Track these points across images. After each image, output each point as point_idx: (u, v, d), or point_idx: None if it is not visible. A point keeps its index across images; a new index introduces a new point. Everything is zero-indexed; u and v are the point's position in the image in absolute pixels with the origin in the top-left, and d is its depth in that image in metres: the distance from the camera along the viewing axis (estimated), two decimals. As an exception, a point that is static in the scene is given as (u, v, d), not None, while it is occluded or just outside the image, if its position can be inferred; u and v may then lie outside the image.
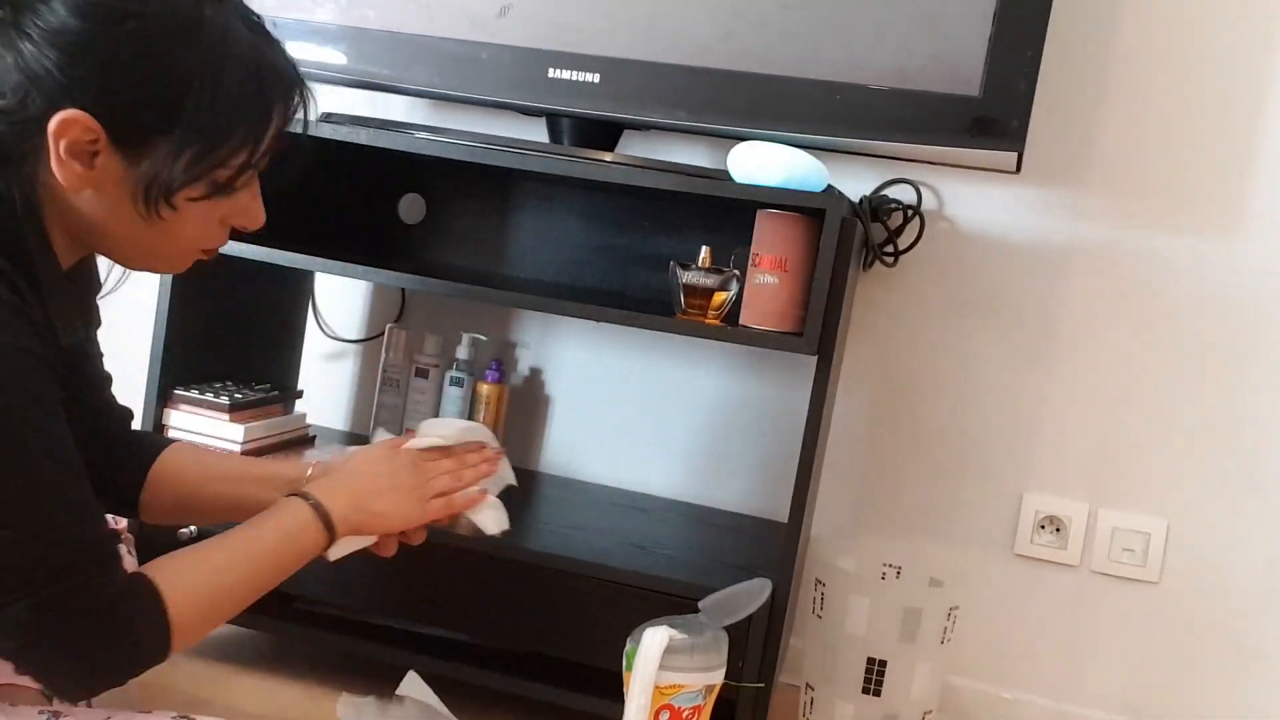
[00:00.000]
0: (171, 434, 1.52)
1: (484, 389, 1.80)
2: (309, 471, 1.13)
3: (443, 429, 1.20)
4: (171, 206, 0.88)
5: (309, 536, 1.00)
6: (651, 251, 1.76)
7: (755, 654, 1.35)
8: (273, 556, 0.97)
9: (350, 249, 1.74)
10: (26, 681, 1.06)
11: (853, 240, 1.35)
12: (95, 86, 0.81)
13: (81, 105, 0.81)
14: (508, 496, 1.22)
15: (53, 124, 0.81)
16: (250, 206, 0.95)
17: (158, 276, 1.49)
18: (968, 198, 1.68)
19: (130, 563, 1.22)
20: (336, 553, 1.04)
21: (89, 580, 0.83)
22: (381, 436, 1.19)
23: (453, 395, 1.81)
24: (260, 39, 0.89)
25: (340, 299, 1.94)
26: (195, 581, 0.91)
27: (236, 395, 1.53)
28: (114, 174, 0.85)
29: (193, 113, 0.84)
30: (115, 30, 0.81)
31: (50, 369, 0.84)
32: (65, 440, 0.84)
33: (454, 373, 1.81)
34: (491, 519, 1.17)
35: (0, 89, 0.81)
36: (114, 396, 1.13)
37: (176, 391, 1.52)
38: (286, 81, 0.91)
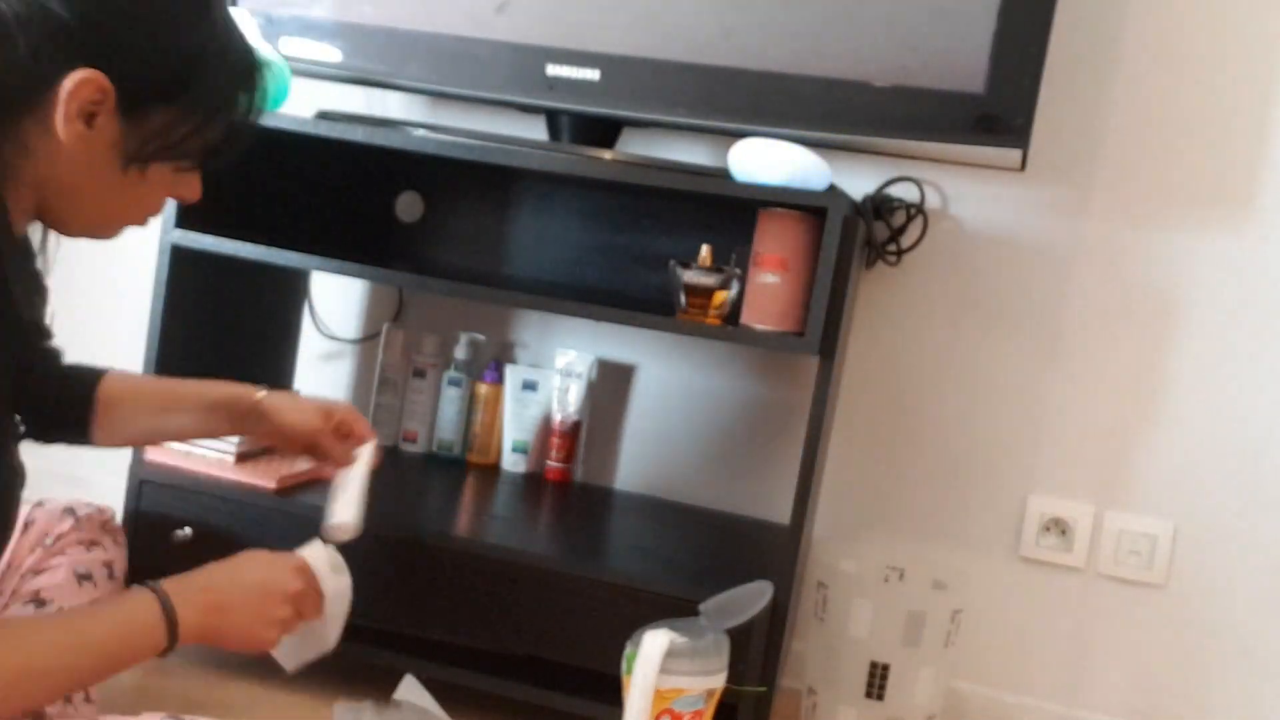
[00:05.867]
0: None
1: (482, 389, 1.79)
2: (258, 395, 1.19)
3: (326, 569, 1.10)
4: (147, 172, 0.90)
5: (149, 639, 0.90)
6: (651, 250, 1.75)
7: (757, 657, 1.33)
8: (104, 653, 0.88)
9: (347, 248, 1.72)
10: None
11: (855, 239, 1.33)
12: (111, 50, 0.83)
13: (96, 66, 0.82)
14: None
15: (69, 82, 0.82)
16: (194, 180, 0.97)
17: (151, 275, 1.48)
18: (972, 196, 1.67)
19: (117, 555, 1.21)
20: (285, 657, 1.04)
21: None
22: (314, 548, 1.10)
23: (450, 396, 1.79)
24: (238, 23, 0.93)
25: (337, 298, 1.92)
26: (9, 655, 0.82)
27: (232, 396, 1.52)
28: (107, 136, 0.86)
29: (199, 87, 0.88)
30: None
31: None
32: None
33: (452, 373, 1.80)
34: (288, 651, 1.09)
35: (13, 40, 0.80)
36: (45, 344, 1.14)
37: (171, 392, 1.50)
38: (261, 67, 0.95)
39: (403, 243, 1.85)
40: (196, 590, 0.93)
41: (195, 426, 1.21)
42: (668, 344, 1.79)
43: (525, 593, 1.38)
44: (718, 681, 1.19)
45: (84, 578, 1.16)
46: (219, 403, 1.19)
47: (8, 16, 0.80)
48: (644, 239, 1.75)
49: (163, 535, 1.45)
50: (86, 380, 1.16)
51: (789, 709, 1.60)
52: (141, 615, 0.89)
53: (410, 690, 1.28)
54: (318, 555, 1.07)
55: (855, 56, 1.41)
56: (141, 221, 0.96)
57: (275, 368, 1.80)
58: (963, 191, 1.67)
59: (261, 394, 1.20)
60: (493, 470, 1.79)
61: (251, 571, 0.99)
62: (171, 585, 0.92)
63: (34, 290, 0.91)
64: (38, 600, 1.11)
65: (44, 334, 1.10)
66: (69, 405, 1.14)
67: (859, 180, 1.68)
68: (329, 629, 1.10)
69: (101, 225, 0.94)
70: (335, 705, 1.38)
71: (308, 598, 1.04)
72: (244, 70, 0.92)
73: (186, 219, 1.46)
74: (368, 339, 1.92)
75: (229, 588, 0.96)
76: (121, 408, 1.16)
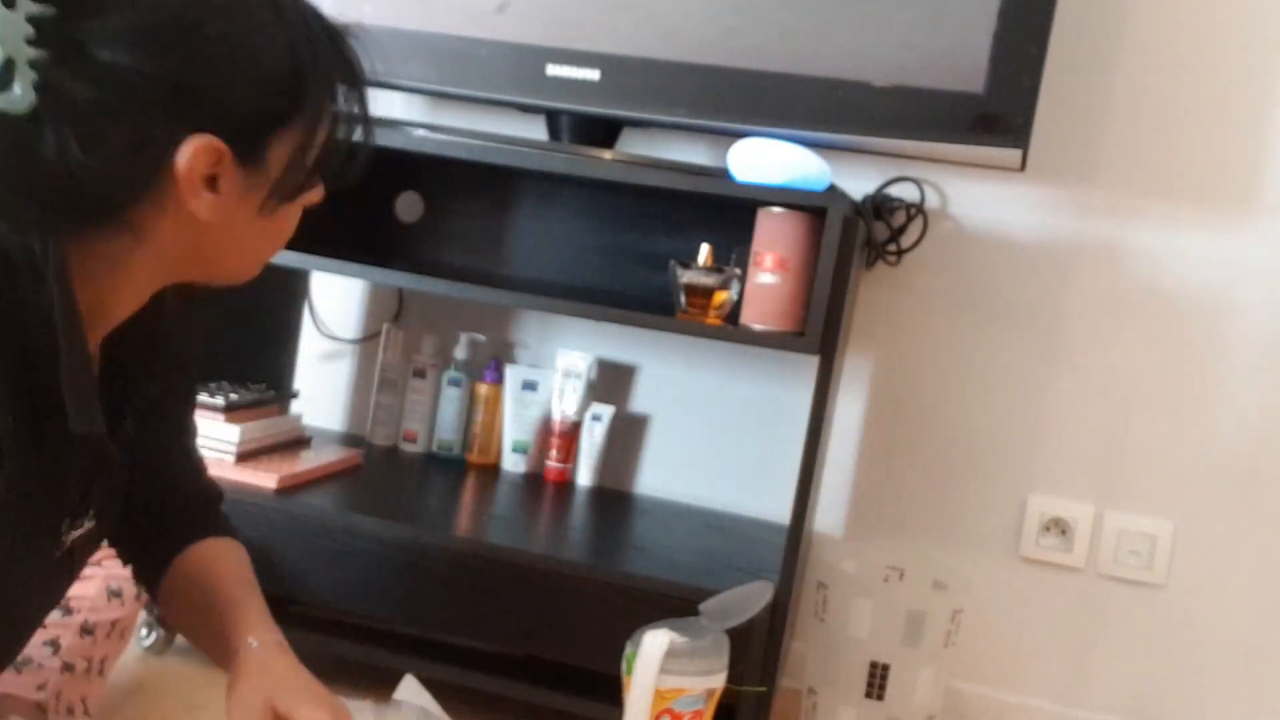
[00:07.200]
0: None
1: (482, 389, 1.79)
2: (248, 642, 0.99)
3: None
4: (287, 209, 0.82)
5: None
6: (651, 250, 1.75)
7: (757, 657, 1.33)
8: None
9: (347, 248, 1.72)
10: (21, 692, 1.05)
11: (855, 239, 1.33)
12: (209, 105, 0.73)
13: (202, 128, 0.72)
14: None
15: (183, 158, 0.72)
16: (319, 184, 0.86)
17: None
18: (972, 196, 1.67)
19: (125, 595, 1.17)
20: None
21: None
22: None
23: (450, 395, 1.79)
24: (311, 10, 0.81)
25: (337, 298, 1.92)
26: None
27: (232, 396, 1.52)
28: (234, 191, 0.76)
29: (304, 101, 0.77)
30: (204, 38, 0.72)
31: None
32: None
33: (452, 373, 1.80)
34: None
35: (103, 134, 0.69)
36: (186, 453, 1.03)
37: (171, 392, 1.50)
38: (353, 54, 0.83)
39: (403, 243, 1.85)
40: None
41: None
42: (668, 344, 1.79)
43: (525, 592, 1.38)
44: (718, 681, 1.19)
45: (114, 594, 1.16)
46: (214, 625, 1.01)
47: (85, 110, 0.69)
48: (644, 239, 1.75)
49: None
50: (181, 536, 1.02)
51: (789, 709, 1.60)
52: None
53: (410, 690, 1.27)
54: None
55: (855, 56, 1.41)
56: (277, 252, 0.88)
57: (275, 368, 1.80)
58: (962, 191, 1.67)
59: (252, 642, 0.99)
60: (492, 470, 1.79)
61: None
62: None
63: (91, 400, 0.77)
64: (65, 608, 1.12)
65: (160, 417, 0.98)
66: (151, 555, 1.02)
67: (859, 180, 1.68)
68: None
69: (245, 271, 0.87)
70: (335, 705, 1.37)
71: None
72: (333, 54, 0.80)
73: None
74: (368, 339, 1.93)
75: None
76: (179, 598, 1.00)
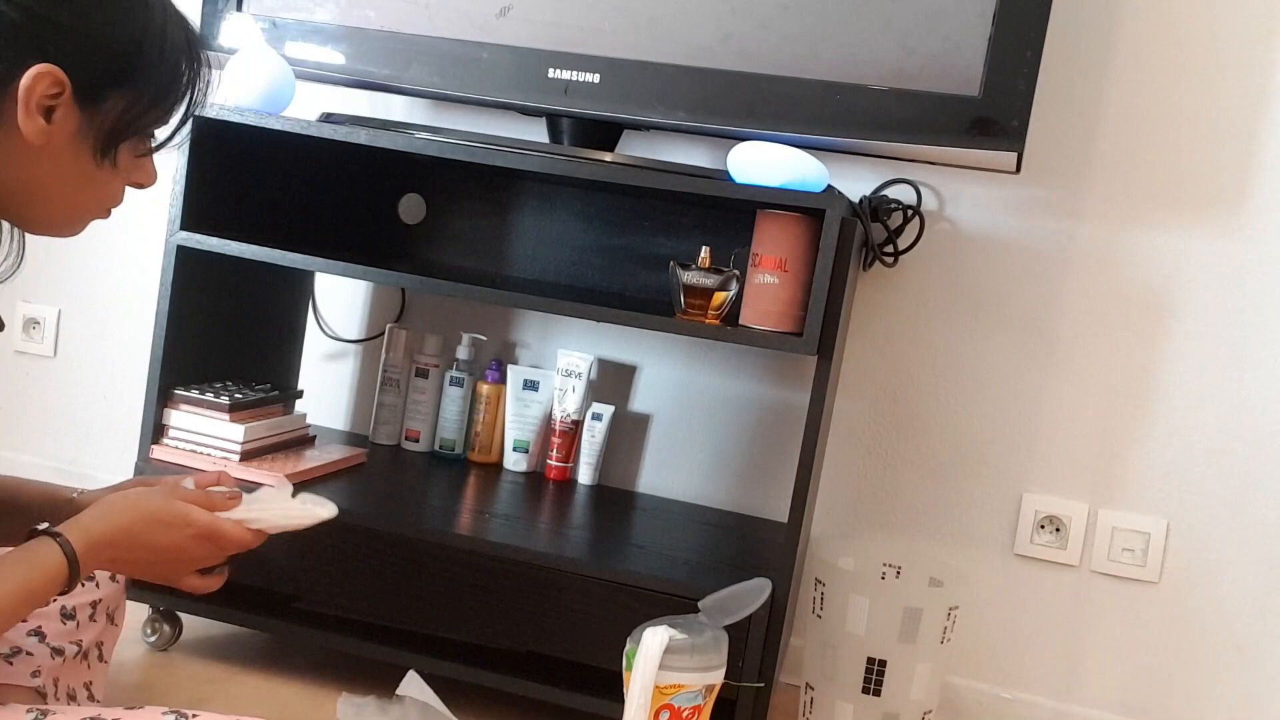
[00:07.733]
0: (172, 434, 1.52)
1: (484, 389, 1.80)
2: (73, 494, 1.09)
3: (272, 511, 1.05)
4: (116, 159, 0.91)
5: (51, 588, 0.91)
6: (651, 251, 1.76)
7: (755, 654, 1.35)
8: (9, 603, 0.87)
9: (350, 249, 1.74)
10: (17, 680, 1.06)
11: (853, 240, 1.35)
12: (61, 42, 0.84)
13: (50, 59, 0.83)
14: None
15: (26, 78, 0.82)
16: (151, 164, 0.98)
17: (157, 276, 1.49)
18: (968, 198, 1.69)
19: (109, 591, 1.19)
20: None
21: None
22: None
23: (453, 395, 1.81)
24: (175, 8, 0.94)
25: (340, 299, 1.94)
26: None
27: (237, 395, 1.54)
28: (68, 129, 0.87)
29: (147, 68, 0.89)
30: None
31: None
32: None
33: (454, 373, 1.81)
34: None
35: None
36: None
37: (177, 391, 1.52)
38: (201, 51, 0.96)
39: (405, 244, 1.87)
40: (100, 542, 0.93)
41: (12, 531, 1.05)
42: (668, 344, 1.81)
43: (527, 590, 1.39)
44: (716, 677, 1.20)
45: (87, 577, 1.17)
46: (33, 503, 1.08)
47: None
48: (644, 240, 1.77)
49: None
50: None
51: (787, 704, 1.61)
52: (48, 571, 0.89)
53: (413, 686, 1.29)
54: (265, 511, 1.02)
55: (852, 60, 1.43)
56: (105, 214, 0.96)
57: (280, 368, 1.82)
58: (958, 193, 1.69)
59: (76, 492, 1.10)
60: (494, 468, 1.80)
61: (157, 535, 0.96)
62: (77, 534, 0.91)
63: None
64: None
65: None
66: None
67: (856, 182, 1.69)
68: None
69: (66, 221, 0.94)
70: (339, 700, 1.39)
71: (226, 548, 1.01)
72: (184, 43, 0.93)
73: (192, 220, 1.48)
74: (371, 339, 1.94)
75: (132, 549, 0.96)
76: None
